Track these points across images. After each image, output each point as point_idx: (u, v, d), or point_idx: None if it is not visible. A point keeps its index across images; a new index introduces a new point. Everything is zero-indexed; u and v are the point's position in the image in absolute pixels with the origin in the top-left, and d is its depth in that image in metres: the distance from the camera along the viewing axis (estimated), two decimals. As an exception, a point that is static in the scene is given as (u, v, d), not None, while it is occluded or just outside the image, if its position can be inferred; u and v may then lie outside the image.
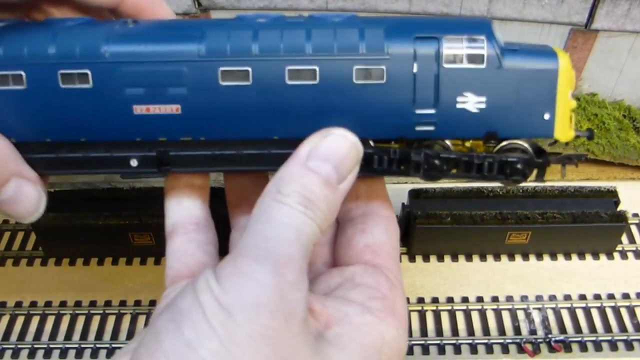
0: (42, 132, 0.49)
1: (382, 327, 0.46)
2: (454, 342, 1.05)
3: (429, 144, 0.49)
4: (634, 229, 1.22)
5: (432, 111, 0.48)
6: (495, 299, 1.11)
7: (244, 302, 0.38)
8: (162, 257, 1.15)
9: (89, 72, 0.46)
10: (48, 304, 1.10)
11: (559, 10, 1.22)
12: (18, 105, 0.47)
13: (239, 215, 0.57)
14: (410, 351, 1.03)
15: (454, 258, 1.17)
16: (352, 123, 0.47)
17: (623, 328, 1.07)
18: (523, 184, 0.50)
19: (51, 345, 1.05)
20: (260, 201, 0.44)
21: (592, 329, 1.07)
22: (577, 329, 1.07)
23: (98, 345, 1.05)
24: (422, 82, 0.47)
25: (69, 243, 1.14)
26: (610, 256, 1.17)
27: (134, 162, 0.49)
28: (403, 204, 1.15)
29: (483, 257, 1.17)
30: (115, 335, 1.07)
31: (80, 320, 1.08)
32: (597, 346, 1.04)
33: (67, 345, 1.05)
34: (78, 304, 1.11)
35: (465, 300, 1.11)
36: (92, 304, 1.11)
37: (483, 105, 0.47)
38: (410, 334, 1.06)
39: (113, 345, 1.05)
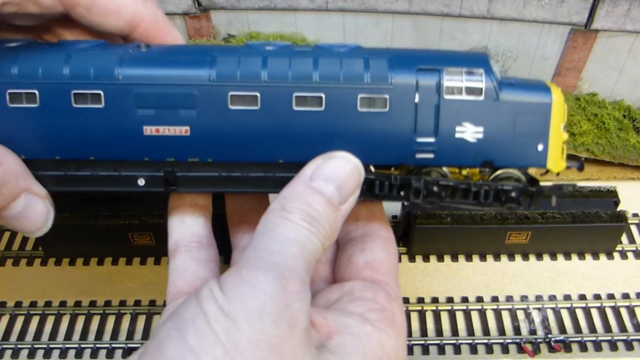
0: (52, 150, 0.50)
1: (382, 337, 0.47)
2: (453, 342, 1.05)
3: (427, 171, 0.51)
4: (633, 229, 1.23)
5: (432, 139, 0.50)
6: (495, 299, 1.11)
7: (248, 310, 0.39)
8: (162, 257, 1.16)
9: (101, 92, 0.48)
10: (48, 304, 1.10)
11: (559, 10, 1.22)
12: (30, 122, 0.49)
13: (240, 235, 0.59)
14: (410, 351, 1.03)
15: (454, 258, 1.17)
16: (355, 149, 0.49)
17: (623, 328, 1.07)
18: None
19: (51, 345, 1.05)
20: (264, 218, 0.45)
21: (592, 329, 1.07)
22: (577, 329, 1.07)
23: (98, 345, 1.05)
24: (423, 112, 0.49)
25: (69, 243, 1.14)
26: (610, 256, 1.17)
27: (141, 182, 0.51)
28: (403, 204, 1.14)
29: (483, 257, 1.17)
30: (115, 335, 1.07)
31: (80, 320, 1.08)
32: (597, 346, 1.04)
33: (67, 345, 1.05)
34: (78, 304, 1.11)
35: (465, 300, 1.11)
36: (92, 304, 1.11)
37: (481, 135, 0.49)
38: (410, 334, 1.06)
39: (113, 346, 1.05)
